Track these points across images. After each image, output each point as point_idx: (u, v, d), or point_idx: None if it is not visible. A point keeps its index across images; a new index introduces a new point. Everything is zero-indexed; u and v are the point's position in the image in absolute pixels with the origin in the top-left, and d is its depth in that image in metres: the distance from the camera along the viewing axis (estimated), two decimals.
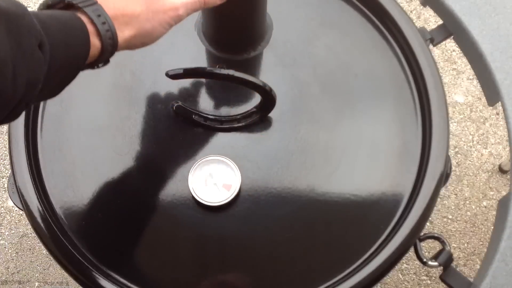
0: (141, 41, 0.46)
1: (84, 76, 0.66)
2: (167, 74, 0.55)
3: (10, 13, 0.35)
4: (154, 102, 0.63)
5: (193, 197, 0.57)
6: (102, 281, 0.55)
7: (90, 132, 0.62)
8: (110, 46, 0.42)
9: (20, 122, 0.60)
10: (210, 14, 0.58)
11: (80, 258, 0.56)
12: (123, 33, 0.43)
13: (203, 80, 0.64)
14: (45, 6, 0.42)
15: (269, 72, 0.65)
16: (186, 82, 0.64)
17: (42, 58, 0.36)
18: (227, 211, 0.58)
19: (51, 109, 0.63)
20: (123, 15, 0.43)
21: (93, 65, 0.44)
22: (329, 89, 0.64)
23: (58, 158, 0.61)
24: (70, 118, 0.63)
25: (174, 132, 0.62)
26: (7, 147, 0.64)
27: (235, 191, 0.57)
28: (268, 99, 0.58)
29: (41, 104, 0.63)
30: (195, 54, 0.65)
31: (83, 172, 0.60)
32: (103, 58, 0.43)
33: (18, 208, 0.61)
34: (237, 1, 0.53)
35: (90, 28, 0.41)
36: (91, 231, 0.59)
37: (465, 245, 1.14)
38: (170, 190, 0.59)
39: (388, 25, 0.66)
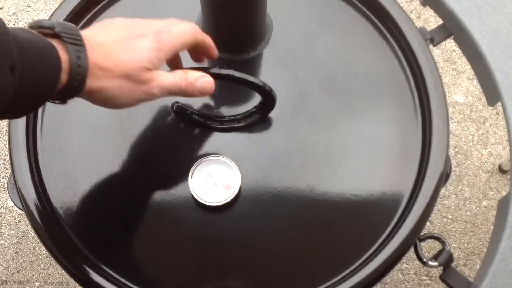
0: (103, 101, 0.45)
1: None
2: None
3: None
4: (154, 102, 0.63)
5: (193, 197, 0.57)
6: (102, 281, 0.55)
7: (90, 132, 0.62)
8: (73, 89, 0.42)
9: (20, 122, 0.60)
10: (210, 14, 0.58)
11: (80, 257, 0.56)
12: (91, 84, 0.42)
13: None
14: (33, 27, 0.41)
15: (269, 72, 0.65)
16: None
17: (11, 81, 0.36)
18: (227, 211, 0.58)
19: (51, 109, 0.63)
20: (100, 68, 0.42)
21: (53, 100, 0.43)
22: (329, 89, 0.64)
23: (58, 158, 0.61)
24: (70, 118, 0.63)
25: (174, 132, 0.62)
26: (7, 147, 0.64)
27: (235, 191, 0.57)
28: (269, 99, 0.58)
29: (39, 118, 0.62)
30: None
31: (83, 172, 0.60)
32: (61, 97, 0.42)
33: (18, 208, 0.61)
34: (237, 1, 0.53)
35: (64, 64, 0.40)
36: (91, 230, 0.59)
37: (465, 245, 1.14)
38: (170, 190, 0.59)
39: (388, 25, 0.66)
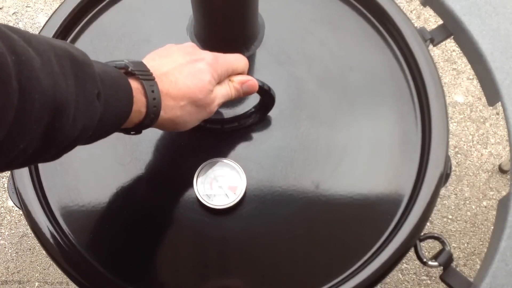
0: (173, 126, 0.48)
1: None
2: None
3: (80, 61, 0.37)
4: None
5: (199, 201, 0.57)
6: (103, 284, 0.55)
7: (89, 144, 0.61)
8: (150, 121, 0.45)
9: None
10: (202, 17, 0.58)
11: (79, 260, 0.56)
12: (165, 114, 0.46)
13: None
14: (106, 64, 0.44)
15: (265, 71, 0.65)
16: None
17: (98, 108, 0.38)
18: (234, 213, 0.58)
19: None
20: (172, 98, 0.46)
21: (127, 130, 0.46)
22: (326, 85, 0.64)
23: (58, 162, 0.60)
24: None
25: (175, 137, 0.61)
26: None
27: (241, 192, 0.56)
28: (268, 98, 0.58)
29: None
30: None
31: (83, 175, 0.60)
32: (138, 128, 0.45)
33: (18, 207, 0.61)
34: (229, 2, 0.53)
35: (140, 98, 0.43)
36: (91, 232, 0.58)
37: (465, 245, 1.14)
38: (175, 196, 0.59)
39: (386, 24, 0.66)
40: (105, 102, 0.39)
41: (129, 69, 0.43)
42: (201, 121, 0.50)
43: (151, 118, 0.44)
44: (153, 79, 0.44)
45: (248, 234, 0.58)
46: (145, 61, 0.47)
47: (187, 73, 0.47)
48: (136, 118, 0.44)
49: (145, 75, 0.44)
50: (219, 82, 0.51)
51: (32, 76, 0.32)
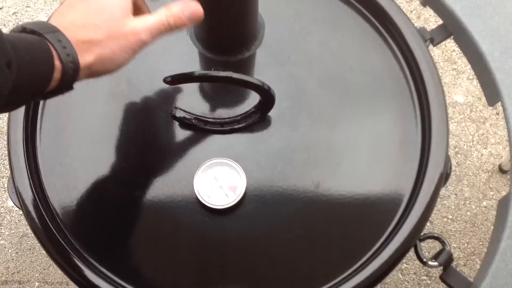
0: (103, 67, 0.46)
1: (81, 89, 0.65)
2: (165, 80, 0.55)
3: None
4: (153, 109, 0.63)
5: (199, 201, 0.57)
6: (102, 284, 0.55)
7: (90, 144, 0.61)
8: (71, 70, 0.43)
9: (19, 140, 0.59)
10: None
11: (80, 260, 0.56)
12: (84, 58, 0.44)
13: (200, 83, 0.64)
14: (14, 31, 0.43)
15: (265, 71, 0.65)
16: (183, 87, 0.63)
17: (9, 76, 0.37)
18: (234, 213, 0.58)
19: (48, 124, 0.62)
20: (83, 42, 0.44)
21: (59, 91, 0.44)
22: (326, 85, 0.64)
23: (57, 160, 0.61)
24: (68, 131, 0.62)
25: (175, 138, 0.61)
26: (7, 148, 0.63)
27: (241, 192, 0.56)
28: (268, 98, 0.58)
29: (38, 119, 0.62)
30: (189, 58, 0.64)
31: (83, 175, 0.60)
32: (65, 83, 0.43)
33: (18, 207, 0.61)
34: (229, 2, 0.53)
35: (53, 52, 0.42)
36: (92, 233, 0.58)
37: (465, 245, 1.14)
38: (175, 197, 0.59)
39: (386, 24, 0.66)
40: (18, 71, 0.38)
41: (27, 29, 0.42)
42: (133, 54, 0.47)
43: (70, 67, 0.43)
44: (57, 30, 0.43)
45: (248, 234, 0.58)
46: (50, 19, 0.46)
47: (93, 13, 0.45)
48: (58, 75, 0.42)
49: (46, 29, 0.42)
50: (152, 12, 0.48)
51: None
